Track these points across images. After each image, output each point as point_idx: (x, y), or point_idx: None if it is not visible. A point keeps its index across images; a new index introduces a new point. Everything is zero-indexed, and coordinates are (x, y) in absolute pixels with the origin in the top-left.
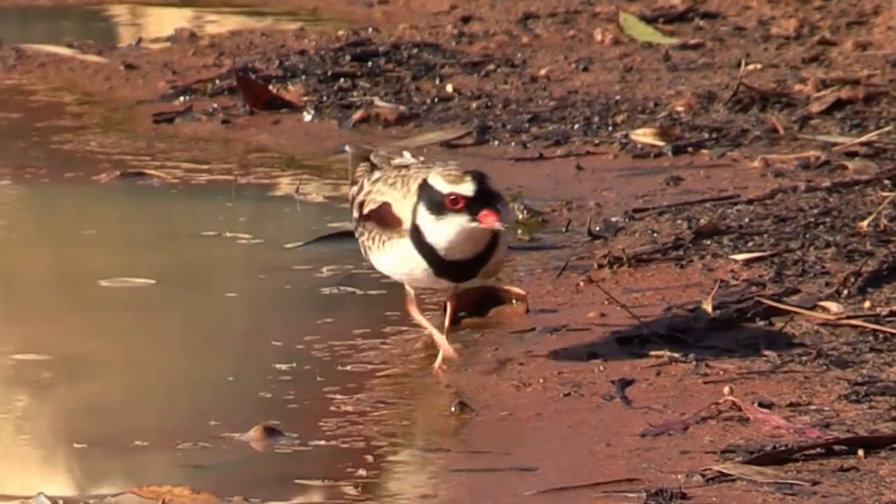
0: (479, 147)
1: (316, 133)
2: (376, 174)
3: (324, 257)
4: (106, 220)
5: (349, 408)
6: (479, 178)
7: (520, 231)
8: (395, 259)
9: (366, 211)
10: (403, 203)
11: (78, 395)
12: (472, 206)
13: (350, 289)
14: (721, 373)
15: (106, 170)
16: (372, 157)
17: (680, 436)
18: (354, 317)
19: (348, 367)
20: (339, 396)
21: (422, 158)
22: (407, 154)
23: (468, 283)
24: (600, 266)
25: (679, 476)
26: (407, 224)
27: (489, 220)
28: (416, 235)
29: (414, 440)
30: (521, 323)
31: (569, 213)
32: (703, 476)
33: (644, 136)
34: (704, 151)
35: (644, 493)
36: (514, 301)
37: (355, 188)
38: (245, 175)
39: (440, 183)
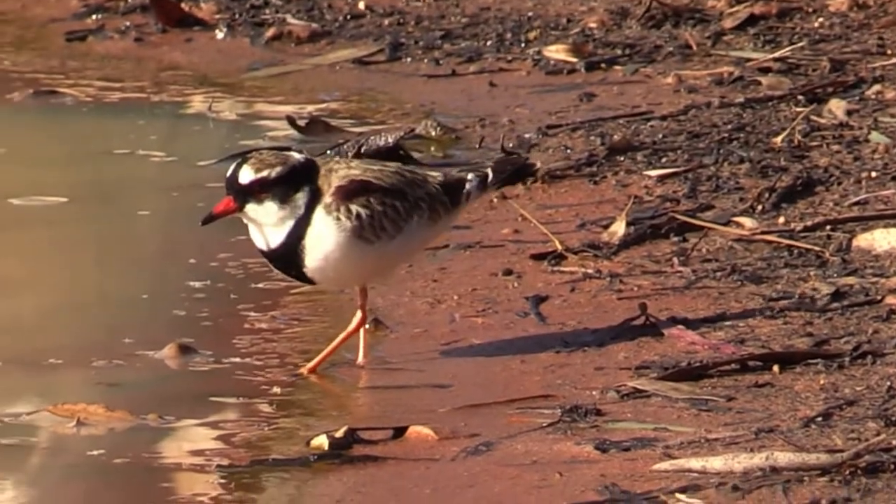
0: (392, 64)
1: (229, 51)
2: None
3: None
4: (18, 138)
5: (263, 325)
6: (237, 164)
7: (433, 148)
8: None
9: None
10: None
11: None
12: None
13: None
14: (635, 289)
15: (18, 88)
16: None
17: (594, 352)
18: None
19: (262, 285)
20: (253, 314)
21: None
22: None
23: (313, 285)
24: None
25: (594, 392)
26: None
27: (214, 208)
28: None
29: (328, 358)
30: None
31: (482, 129)
32: (618, 392)
33: (557, 52)
34: (617, 68)
35: (559, 410)
36: None
37: None
38: (158, 93)
39: None
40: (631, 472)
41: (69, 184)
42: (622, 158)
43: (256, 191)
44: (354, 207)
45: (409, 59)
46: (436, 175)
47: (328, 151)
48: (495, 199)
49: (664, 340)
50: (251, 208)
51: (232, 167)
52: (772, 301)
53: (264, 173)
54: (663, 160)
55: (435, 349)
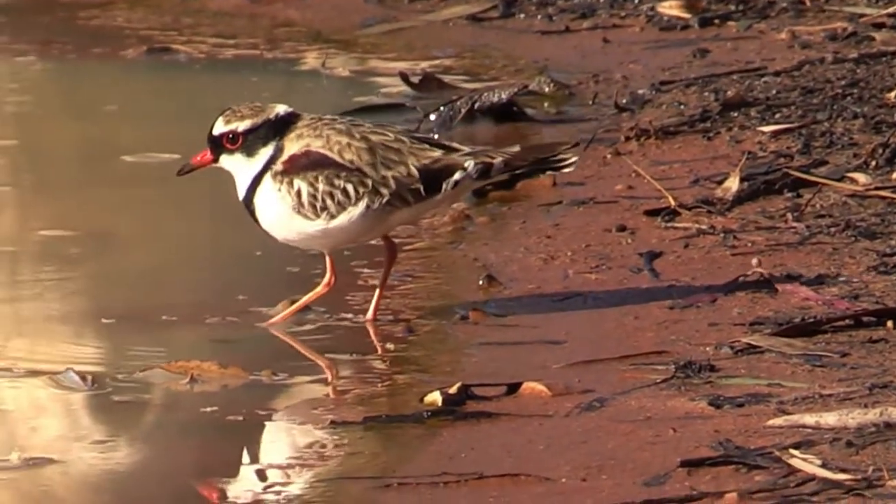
0: (505, 20)
1: (342, 7)
2: None
3: None
4: (131, 95)
5: (376, 282)
6: (217, 118)
7: (546, 104)
8: None
9: None
10: None
11: (105, 271)
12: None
13: None
14: (749, 245)
15: (132, 45)
16: None
17: (708, 308)
18: None
19: (375, 241)
20: (366, 270)
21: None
22: None
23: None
24: (627, 139)
25: (707, 348)
26: None
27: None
28: None
29: (442, 314)
30: (549, 196)
31: (595, 85)
32: (732, 348)
33: (671, 8)
34: (731, 23)
35: (672, 365)
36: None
37: None
38: (271, 50)
39: None
40: (745, 427)
41: (182, 141)
42: (736, 114)
43: (227, 142)
44: (298, 182)
45: (522, 16)
46: (423, 158)
47: (441, 108)
48: (608, 156)
49: (778, 296)
50: (224, 159)
51: (216, 120)
52: (885, 256)
53: (233, 125)
54: (777, 116)
55: (548, 305)
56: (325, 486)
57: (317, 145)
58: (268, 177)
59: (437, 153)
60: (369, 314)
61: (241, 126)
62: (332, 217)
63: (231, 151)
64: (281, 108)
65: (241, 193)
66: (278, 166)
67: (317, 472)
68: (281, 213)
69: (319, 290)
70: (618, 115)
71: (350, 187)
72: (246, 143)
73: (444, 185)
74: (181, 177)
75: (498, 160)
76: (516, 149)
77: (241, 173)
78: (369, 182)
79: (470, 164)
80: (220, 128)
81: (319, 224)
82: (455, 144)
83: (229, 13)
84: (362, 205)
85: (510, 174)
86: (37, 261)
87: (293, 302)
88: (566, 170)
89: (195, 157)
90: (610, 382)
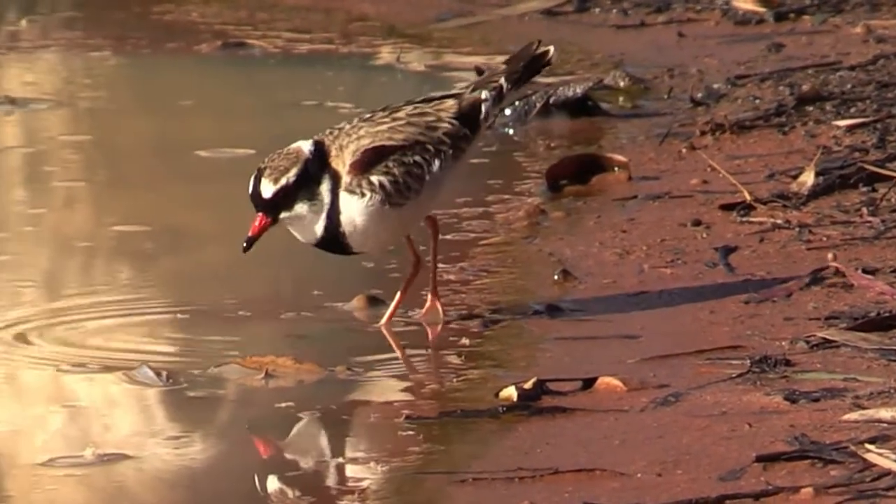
0: (581, 15)
1: (417, 2)
2: None
3: None
4: (206, 90)
5: (452, 276)
6: (254, 180)
7: (622, 98)
8: None
9: None
10: None
11: (180, 266)
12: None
13: None
14: (824, 239)
15: (207, 40)
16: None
17: (783, 302)
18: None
19: (450, 236)
20: (441, 265)
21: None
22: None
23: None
24: (702, 133)
25: (783, 343)
26: None
27: (250, 230)
28: None
29: (517, 308)
30: (624, 190)
31: (670, 80)
32: (808, 342)
33: (746, 2)
34: (806, 17)
35: (748, 360)
36: (616, 168)
37: None
38: (346, 44)
39: None
40: (820, 422)
41: (257, 136)
42: (811, 108)
43: (282, 200)
44: (375, 178)
45: (597, 10)
46: (451, 105)
47: (516, 102)
48: (684, 150)
49: (853, 290)
50: (284, 216)
51: (251, 183)
52: None
53: (283, 182)
54: (852, 110)
55: (623, 300)
56: (401, 481)
57: (366, 144)
58: (343, 196)
59: (452, 101)
60: (429, 294)
61: (291, 177)
62: (418, 192)
63: (290, 206)
64: (305, 144)
65: (318, 233)
66: (346, 178)
67: (392, 467)
68: (375, 214)
69: (412, 273)
70: (693, 110)
71: (418, 158)
72: (300, 192)
73: (480, 122)
74: (247, 254)
75: (501, 80)
76: (502, 66)
77: (308, 218)
78: (430, 147)
79: (486, 94)
80: (270, 189)
81: (411, 204)
82: (453, 91)
83: (304, 7)
84: (436, 167)
85: (517, 85)
86: (111, 256)
87: (369, 297)
88: (551, 59)
89: (253, 229)
90: (685, 377)
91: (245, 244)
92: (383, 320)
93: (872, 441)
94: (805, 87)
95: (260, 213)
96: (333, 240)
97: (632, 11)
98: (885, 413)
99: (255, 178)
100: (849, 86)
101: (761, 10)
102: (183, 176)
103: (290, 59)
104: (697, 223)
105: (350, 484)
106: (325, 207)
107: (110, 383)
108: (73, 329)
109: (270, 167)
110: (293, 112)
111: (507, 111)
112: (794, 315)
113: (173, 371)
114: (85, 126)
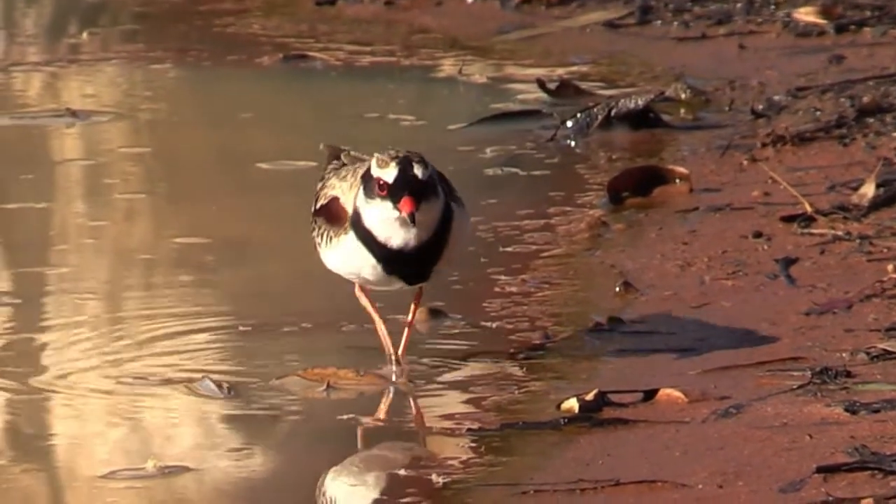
0: (642, 27)
1: (478, 14)
2: (340, 170)
3: (487, 138)
4: (267, 102)
5: (513, 289)
6: (405, 164)
7: (683, 110)
8: (342, 256)
9: (317, 206)
10: (349, 194)
11: (241, 279)
12: (393, 192)
13: (513, 169)
14: (885, 250)
15: (268, 52)
16: (342, 157)
17: (844, 314)
18: (518, 197)
19: (512, 248)
20: (503, 277)
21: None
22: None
23: (423, 283)
24: (763, 145)
25: (843, 354)
26: (350, 211)
27: (405, 209)
28: (356, 221)
29: (578, 320)
30: (685, 202)
31: (731, 92)
32: (868, 354)
33: (807, 14)
34: (867, 29)
35: (809, 372)
36: (677, 180)
37: (319, 184)
38: (408, 57)
39: (373, 166)
40: (881, 433)
41: (318, 148)
42: (871, 120)
43: (430, 188)
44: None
45: (658, 22)
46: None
47: (578, 115)
48: (745, 162)
49: None
50: (424, 206)
51: (400, 166)
52: None
53: (430, 168)
54: None
55: (685, 311)
56: (463, 494)
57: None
58: (454, 206)
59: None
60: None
61: (432, 167)
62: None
63: (428, 196)
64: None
65: (423, 235)
66: (452, 197)
67: (454, 479)
68: (467, 220)
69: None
70: (754, 122)
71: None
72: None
73: None
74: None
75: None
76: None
77: (432, 216)
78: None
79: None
80: (424, 172)
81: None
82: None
83: (365, 20)
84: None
85: None
86: (172, 268)
87: (431, 309)
88: None
89: (410, 206)
90: (746, 389)
91: (410, 220)
92: (400, 348)
93: None
94: (866, 99)
95: (410, 198)
96: (433, 246)
97: (693, 23)
98: None
99: (402, 162)
100: None
101: (822, 21)
102: (244, 188)
103: (352, 71)
104: (758, 235)
105: (412, 496)
106: (442, 209)
107: (172, 396)
108: (134, 341)
109: (407, 157)
110: (355, 124)
111: (570, 123)
112: (855, 326)
113: (235, 383)
114: (145, 138)
